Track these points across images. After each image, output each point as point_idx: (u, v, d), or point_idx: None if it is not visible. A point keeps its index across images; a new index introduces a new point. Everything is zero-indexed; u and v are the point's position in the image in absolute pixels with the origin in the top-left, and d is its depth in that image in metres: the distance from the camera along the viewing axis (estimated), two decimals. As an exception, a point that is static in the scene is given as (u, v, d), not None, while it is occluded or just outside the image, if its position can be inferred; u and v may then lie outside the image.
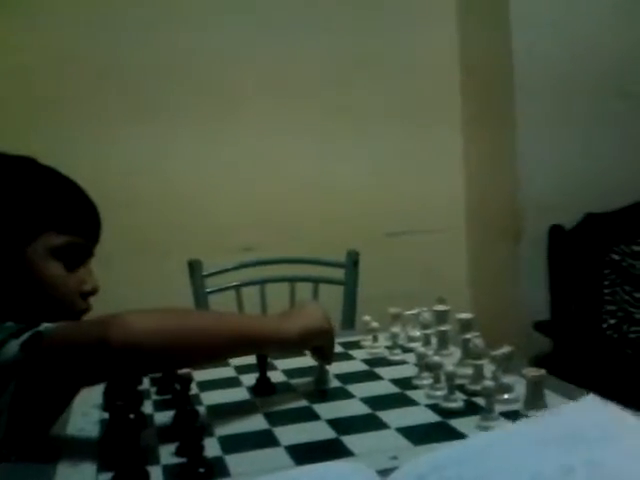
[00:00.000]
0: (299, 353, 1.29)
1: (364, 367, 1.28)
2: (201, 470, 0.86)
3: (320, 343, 1.12)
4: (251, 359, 1.20)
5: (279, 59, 2.68)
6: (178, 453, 0.92)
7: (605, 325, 2.33)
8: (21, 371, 0.86)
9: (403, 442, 0.92)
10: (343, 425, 0.99)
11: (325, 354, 1.16)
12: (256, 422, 1.03)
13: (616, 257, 2.37)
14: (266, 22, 2.66)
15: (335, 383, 1.19)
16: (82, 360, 0.88)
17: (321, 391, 1.15)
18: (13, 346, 0.87)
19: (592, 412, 0.79)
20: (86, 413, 1.10)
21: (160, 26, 2.57)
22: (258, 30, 2.65)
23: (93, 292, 1.12)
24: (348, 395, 1.12)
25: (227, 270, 2.04)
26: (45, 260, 1.06)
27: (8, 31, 2.47)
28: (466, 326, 1.21)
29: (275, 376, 1.21)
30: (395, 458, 0.86)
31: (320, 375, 1.18)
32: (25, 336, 0.88)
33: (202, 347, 0.96)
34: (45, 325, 0.90)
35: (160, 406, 1.12)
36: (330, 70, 2.71)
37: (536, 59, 2.48)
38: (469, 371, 1.10)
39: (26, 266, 1.04)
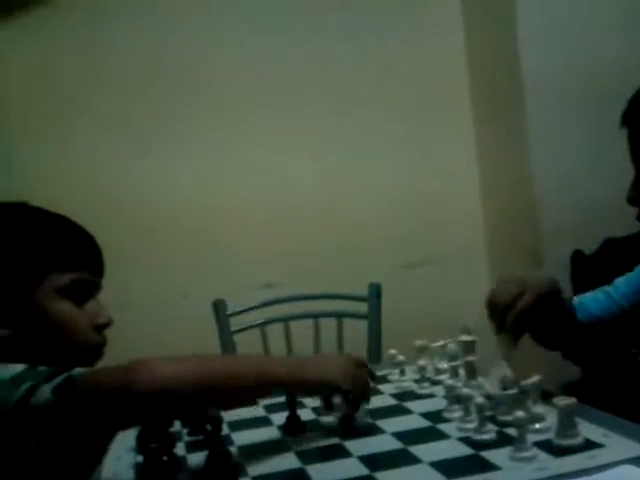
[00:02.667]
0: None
1: (393, 401, 1.28)
2: (237, 510, 0.86)
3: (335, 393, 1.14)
4: (280, 398, 1.21)
5: (292, 89, 2.71)
6: (213, 494, 0.92)
7: (635, 350, 2.30)
8: (54, 415, 0.87)
9: (437, 476, 0.92)
10: (375, 461, 0.99)
11: (348, 401, 1.15)
12: (288, 461, 1.03)
13: (639, 280, 2.35)
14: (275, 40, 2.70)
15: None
16: (109, 405, 0.90)
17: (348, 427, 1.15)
18: (45, 390, 0.88)
19: (631, 478, 0.80)
20: (120, 457, 1.11)
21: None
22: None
23: (108, 324, 1.12)
24: (379, 430, 1.12)
25: (251, 309, 2.05)
26: (54, 301, 1.05)
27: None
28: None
29: (305, 414, 1.22)
30: (430, 493, 0.86)
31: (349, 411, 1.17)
32: (58, 380, 0.89)
33: (225, 391, 1.00)
34: (78, 370, 0.91)
35: (192, 447, 1.13)
36: (344, 100, 2.74)
37: (547, 81, 2.49)
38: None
39: (37, 311, 1.04)
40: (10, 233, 1.07)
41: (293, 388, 1.13)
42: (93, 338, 1.09)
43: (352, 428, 1.14)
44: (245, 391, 1.04)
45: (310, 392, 1.21)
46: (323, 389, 1.14)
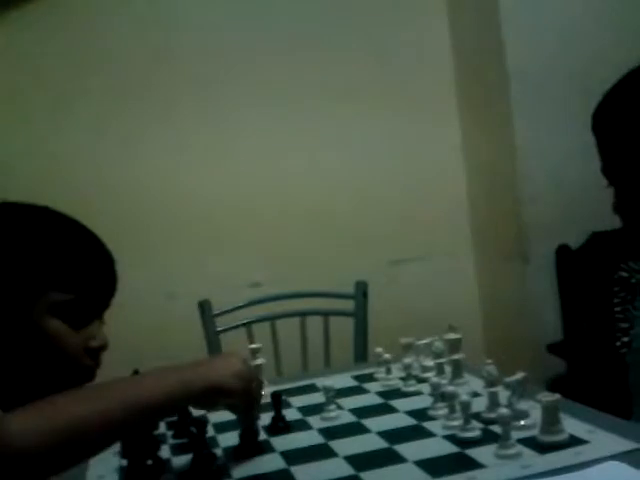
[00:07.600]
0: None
1: (379, 400, 1.28)
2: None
3: (229, 402, 1.02)
4: (265, 398, 1.20)
5: (280, 86, 2.70)
6: (197, 497, 0.92)
7: (619, 343, 2.32)
8: None
9: (422, 475, 0.92)
10: (361, 461, 0.99)
11: (238, 415, 1.08)
12: (273, 462, 1.03)
13: (624, 274, 2.36)
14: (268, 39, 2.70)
15: (351, 417, 1.19)
16: None
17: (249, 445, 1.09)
18: None
19: (616, 475, 0.81)
20: (104, 460, 1.10)
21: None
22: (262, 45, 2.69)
23: (102, 348, 1.06)
24: (364, 430, 1.12)
25: (237, 308, 2.04)
26: (45, 319, 1.00)
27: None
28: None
29: (290, 414, 1.21)
30: (415, 492, 0.86)
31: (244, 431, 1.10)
32: None
33: (84, 437, 0.88)
34: None
35: (177, 450, 1.13)
36: (330, 97, 2.73)
37: (532, 76, 2.50)
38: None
39: (32, 326, 1.00)
40: (17, 240, 1.02)
41: (175, 408, 1.01)
42: (81, 361, 1.03)
43: (255, 445, 1.08)
44: (111, 430, 0.90)
45: (201, 403, 1.04)
46: (214, 397, 0.99)
